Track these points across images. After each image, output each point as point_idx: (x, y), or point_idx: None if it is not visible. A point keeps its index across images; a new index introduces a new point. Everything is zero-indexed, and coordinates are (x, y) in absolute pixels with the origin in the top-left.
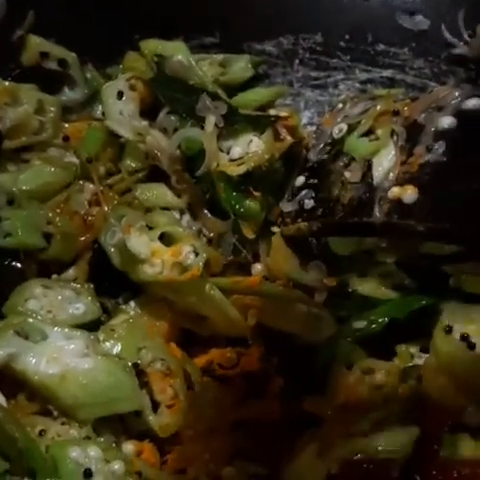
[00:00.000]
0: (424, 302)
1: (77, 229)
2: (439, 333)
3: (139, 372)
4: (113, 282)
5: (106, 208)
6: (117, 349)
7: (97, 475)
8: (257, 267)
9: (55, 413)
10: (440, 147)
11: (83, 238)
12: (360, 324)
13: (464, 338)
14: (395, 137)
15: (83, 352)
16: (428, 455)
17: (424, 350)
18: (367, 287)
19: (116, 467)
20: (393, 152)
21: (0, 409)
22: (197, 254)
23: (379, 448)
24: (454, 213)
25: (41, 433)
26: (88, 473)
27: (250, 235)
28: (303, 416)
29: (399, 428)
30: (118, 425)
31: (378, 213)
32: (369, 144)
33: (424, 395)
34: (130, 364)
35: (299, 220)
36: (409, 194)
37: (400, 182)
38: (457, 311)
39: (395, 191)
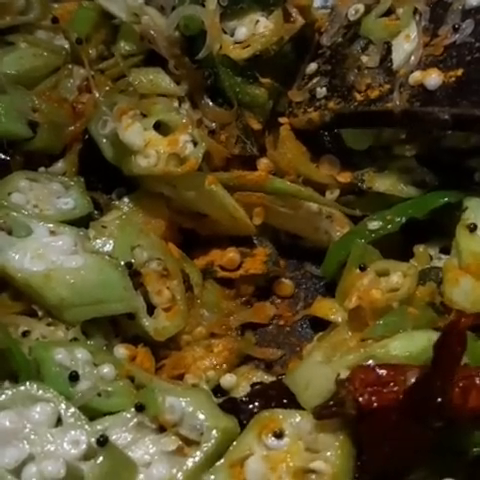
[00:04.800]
0: (446, 199)
1: (66, 118)
2: (462, 231)
3: (133, 272)
4: (106, 176)
5: (97, 95)
6: (109, 247)
7: (84, 379)
8: (263, 162)
9: (40, 313)
10: (468, 26)
11: (72, 128)
12: (376, 224)
13: None
14: (418, 16)
15: (71, 249)
16: (449, 361)
17: (445, 251)
18: (384, 184)
19: (105, 371)
20: (415, 33)
21: None
22: (196, 144)
23: (393, 353)
24: None
25: (25, 334)
26: (74, 376)
27: (256, 126)
28: (313, 320)
29: (416, 332)
30: (110, 328)
31: (398, 101)
32: (389, 25)
33: (444, 298)
34: (123, 263)
35: (310, 110)
36: (432, 79)
37: (423, 66)
38: None
39: (417, 76)
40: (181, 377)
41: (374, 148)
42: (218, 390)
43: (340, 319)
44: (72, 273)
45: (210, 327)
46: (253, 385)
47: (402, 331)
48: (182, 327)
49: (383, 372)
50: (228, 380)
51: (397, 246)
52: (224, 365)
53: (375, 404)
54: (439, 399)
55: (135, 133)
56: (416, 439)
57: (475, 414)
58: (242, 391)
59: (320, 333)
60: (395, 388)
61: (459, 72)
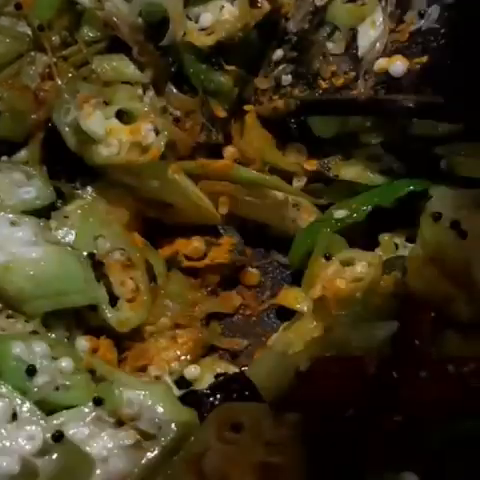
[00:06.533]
0: (412, 188)
1: (28, 106)
2: (426, 220)
3: (96, 263)
4: (69, 165)
5: (60, 82)
6: (70, 238)
7: (42, 373)
8: (230, 150)
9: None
10: (434, 12)
11: (35, 116)
12: (341, 213)
13: (454, 225)
14: (383, 2)
15: (31, 240)
16: (408, 352)
17: (410, 240)
18: (351, 172)
19: (64, 364)
20: (381, 19)
21: None
22: (158, 133)
23: (356, 344)
24: (448, 86)
25: None
26: (31, 370)
27: (221, 114)
28: (280, 310)
29: (379, 323)
30: (72, 320)
31: (362, 88)
32: (354, 10)
33: (408, 288)
34: (85, 254)
35: (276, 97)
36: (397, 66)
37: (388, 53)
38: (447, 196)
39: (382, 63)
40: (144, 369)
41: (341, 136)
42: (182, 381)
43: (305, 309)
44: (32, 264)
45: (174, 318)
46: (217, 376)
47: (365, 321)
48: (145, 318)
49: (343, 364)
50: (192, 371)
51: (363, 235)
52: (188, 356)
53: (334, 397)
54: (398, 391)
55: (96, 122)
56: (373, 432)
57: (435, 406)
58: (206, 382)
59: (286, 323)
60: (354, 380)
61: (424, 59)
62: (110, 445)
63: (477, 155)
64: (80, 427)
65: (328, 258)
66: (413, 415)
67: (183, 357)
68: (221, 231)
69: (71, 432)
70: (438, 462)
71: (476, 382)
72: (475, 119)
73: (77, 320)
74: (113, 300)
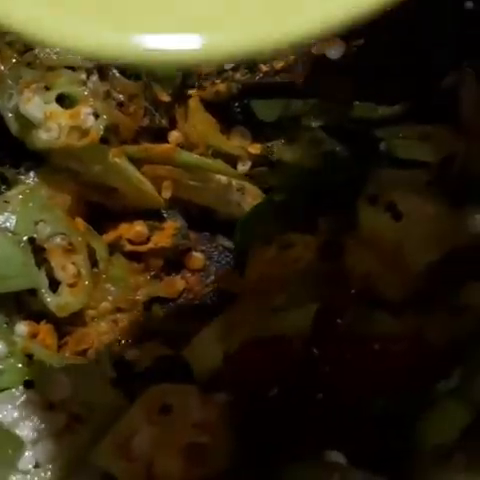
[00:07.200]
0: (352, 170)
1: None
2: (363, 203)
3: (36, 248)
4: (14, 151)
5: (3, 68)
6: (11, 223)
7: None
8: (174, 134)
9: None
10: None
11: None
12: (281, 196)
13: (390, 207)
14: None
15: None
16: (329, 330)
17: (348, 224)
18: (293, 155)
19: None
20: None
21: None
22: (98, 117)
23: (288, 326)
24: (386, 68)
25: None
26: None
27: (165, 98)
28: (222, 294)
29: (312, 306)
30: (12, 304)
31: (301, 71)
32: None
33: (343, 271)
34: (25, 239)
35: (218, 81)
36: (334, 48)
37: None
38: (384, 178)
39: (320, 46)
40: (85, 353)
41: (283, 119)
42: (122, 365)
43: (243, 292)
44: None
45: (116, 302)
46: (156, 360)
47: (300, 305)
48: (86, 303)
49: (269, 345)
50: (132, 355)
51: (303, 218)
52: (129, 340)
53: (259, 377)
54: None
55: (35, 106)
56: (297, 411)
57: (357, 385)
58: (145, 364)
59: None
60: (279, 361)
61: (361, 41)
62: (41, 428)
63: (415, 137)
64: (10, 410)
65: (268, 242)
66: (336, 393)
67: (124, 341)
68: (165, 215)
69: (0, 415)
70: (364, 440)
71: (406, 360)
72: (413, 101)
73: (17, 305)
74: (55, 285)
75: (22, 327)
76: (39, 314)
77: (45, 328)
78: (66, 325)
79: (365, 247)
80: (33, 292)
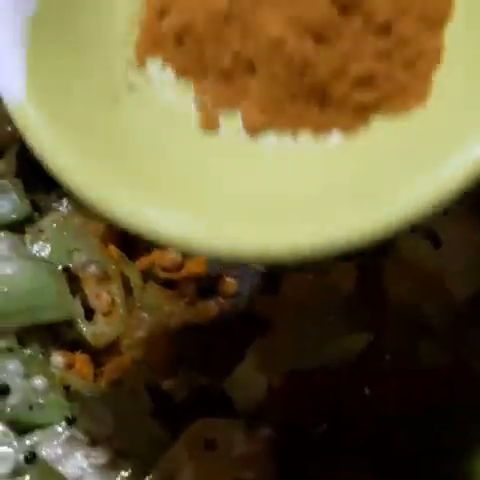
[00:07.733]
0: None
1: (1, 118)
2: None
3: (71, 277)
4: (45, 177)
5: None
6: (46, 252)
7: (15, 391)
8: None
9: None
10: None
11: (9, 128)
12: None
13: (429, 234)
14: None
15: (5, 256)
16: (378, 364)
17: (385, 248)
18: None
19: (37, 382)
20: None
21: None
22: None
23: (326, 358)
24: None
25: None
26: (4, 389)
27: None
28: (256, 321)
29: (352, 335)
30: (47, 335)
31: None
32: None
33: (383, 296)
34: (60, 268)
35: None
36: None
37: None
38: None
39: None
40: (121, 383)
41: None
42: (159, 394)
43: (280, 318)
44: (6, 281)
45: (151, 330)
46: (193, 389)
47: (339, 332)
48: (121, 332)
49: (315, 378)
50: (168, 384)
51: None
52: (165, 368)
53: (306, 412)
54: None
55: None
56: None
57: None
58: (182, 395)
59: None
60: (326, 395)
61: None
62: (84, 464)
63: None
64: (53, 447)
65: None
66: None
67: (160, 369)
68: None
69: (44, 453)
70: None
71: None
72: None
73: (52, 335)
74: (89, 314)
75: (58, 358)
76: (74, 344)
77: (81, 358)
78: (101, 354)
79: (405, 273)
80: (68, 322)
